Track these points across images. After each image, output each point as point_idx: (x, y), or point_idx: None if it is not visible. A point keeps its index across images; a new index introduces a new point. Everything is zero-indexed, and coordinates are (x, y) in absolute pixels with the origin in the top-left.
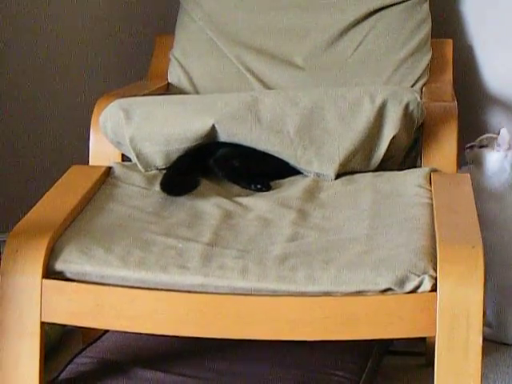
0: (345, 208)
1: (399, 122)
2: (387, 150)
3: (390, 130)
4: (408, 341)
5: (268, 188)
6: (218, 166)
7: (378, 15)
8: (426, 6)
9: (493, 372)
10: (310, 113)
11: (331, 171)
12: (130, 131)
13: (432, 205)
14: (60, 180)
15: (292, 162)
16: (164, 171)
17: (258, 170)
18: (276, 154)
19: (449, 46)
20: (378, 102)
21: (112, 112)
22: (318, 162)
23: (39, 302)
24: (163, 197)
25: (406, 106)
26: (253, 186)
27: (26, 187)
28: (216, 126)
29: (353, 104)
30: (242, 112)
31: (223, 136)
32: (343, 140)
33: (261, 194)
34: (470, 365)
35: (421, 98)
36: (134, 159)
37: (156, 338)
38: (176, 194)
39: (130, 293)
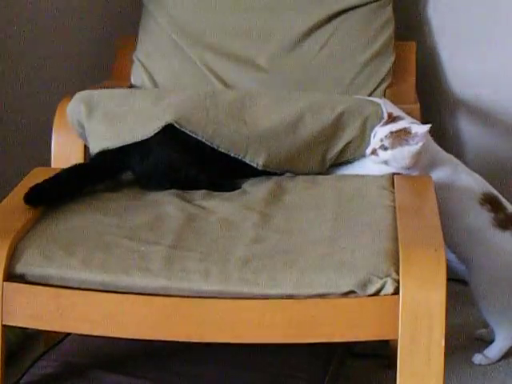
0: (308, 210)
1: (357, 131)
2: (343, 154)
3: (346, 136)
4: (371, 343)
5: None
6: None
7: (341, 17)
8: (390, 8)
9: (455, 374)
10: (268, 109)
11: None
12: (92, 125)
13: (395, 207)
14: (22, 182)
15: (241, 152)
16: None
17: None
18: (227, 144)
19: (412, 49)
20: (338, 110)
21: (75, 106)
22: (265, 153)
23: (0, 305)
24: (126, 199)
25: (366, 119)
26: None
27: None
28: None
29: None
30: (200, 98)
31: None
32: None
33: (224, 197)
34: (432, 367)
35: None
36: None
37: (118, 340)
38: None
39: (91, 296)
